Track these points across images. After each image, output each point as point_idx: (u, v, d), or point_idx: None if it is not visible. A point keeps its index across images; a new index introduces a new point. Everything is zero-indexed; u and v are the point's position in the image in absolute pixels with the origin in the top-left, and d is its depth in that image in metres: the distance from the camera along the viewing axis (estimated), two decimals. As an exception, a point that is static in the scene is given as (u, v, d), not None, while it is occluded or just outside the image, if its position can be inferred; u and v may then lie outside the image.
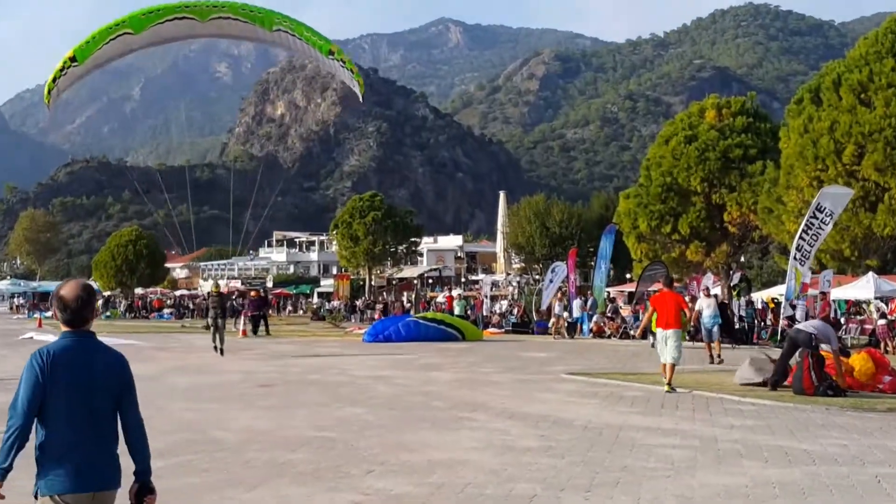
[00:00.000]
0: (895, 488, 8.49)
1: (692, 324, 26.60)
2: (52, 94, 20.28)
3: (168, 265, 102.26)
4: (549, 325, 40.82)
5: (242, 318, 42.46)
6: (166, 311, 69.19)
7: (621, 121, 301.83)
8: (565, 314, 39.81)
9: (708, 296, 23.79)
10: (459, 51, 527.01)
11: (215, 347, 25.62)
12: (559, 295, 41.63)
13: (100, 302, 72.73)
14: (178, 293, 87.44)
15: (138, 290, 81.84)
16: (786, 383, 16.82)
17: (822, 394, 16.01)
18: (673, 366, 16.97)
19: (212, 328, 26.48)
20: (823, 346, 17.35)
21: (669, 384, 16.83)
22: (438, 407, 14.38)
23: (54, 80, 20.00)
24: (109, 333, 38.67)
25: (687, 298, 23.29)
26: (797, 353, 16.88)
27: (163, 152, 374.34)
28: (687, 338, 22.59)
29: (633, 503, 7.79)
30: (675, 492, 8.27)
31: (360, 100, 25.66)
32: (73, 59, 19.84)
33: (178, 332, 44.03)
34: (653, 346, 19.58)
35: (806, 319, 19.32)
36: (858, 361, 17.78)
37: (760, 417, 13.65)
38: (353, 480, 8.56)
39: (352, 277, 77.11)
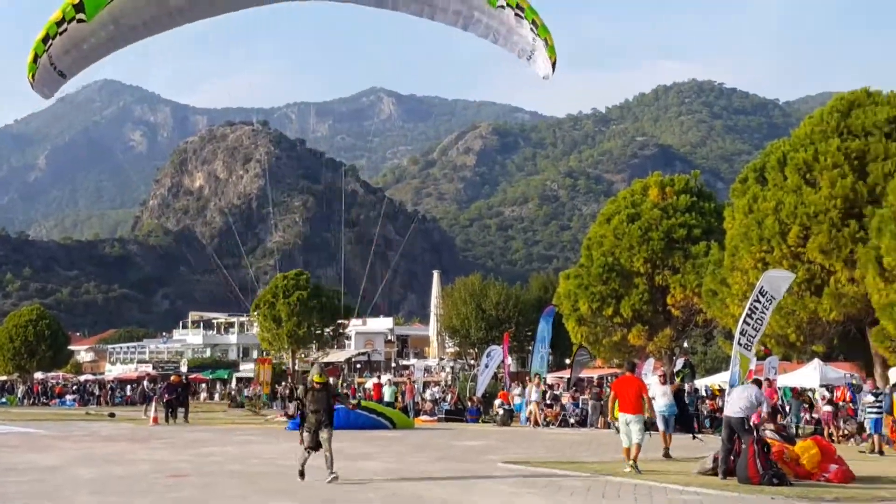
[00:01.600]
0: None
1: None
2: (39, 62, 13.63)
3: (72, 347, 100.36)
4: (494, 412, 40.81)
5: (154, 403, 41.88)
6: (69, 397, 67.54)
7: (561, 198, 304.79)
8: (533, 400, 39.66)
9: (664, 382, 23.91)
10: (392, 122, 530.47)
11: (301, 472, 16.12)
12: (536, 380, 41.51)
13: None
14: (82, 378, 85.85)
15: (38, 375, 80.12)
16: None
17: (768, 482, 16.32)
18: (639, 445, 18.18)
19: (309, 438, 16.46)
20: (767, 433, 17.74)
21: (635, 463, 18.04)
22: (371, 499, 14.31)
23: (45, 39, 13.22)
24: (4, 421, 37.91)
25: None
26: (743, 441, 17.22)
27: (69, 225, 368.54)
28: (662, 425, 22.64)
29: None
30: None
31: (550, 74, 13.78)
32: (78, 6, 12.95)
33: (83, 419, 42.96)
34: (617, 431, 19.81)
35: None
36: (804, 449, 18.15)
37: (707, 497, 13.89)
38: None
39: (273, 362, 76.27)
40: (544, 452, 24.12)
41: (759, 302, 23.47)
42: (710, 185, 52.11)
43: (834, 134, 33.59)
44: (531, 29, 12.07)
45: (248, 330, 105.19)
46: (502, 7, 12.27)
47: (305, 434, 16.25)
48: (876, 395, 26.22)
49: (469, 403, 47.41)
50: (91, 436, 29.55)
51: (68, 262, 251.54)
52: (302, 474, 15.93)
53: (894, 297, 28.76)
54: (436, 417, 44.81)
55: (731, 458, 17.44)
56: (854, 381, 36.17)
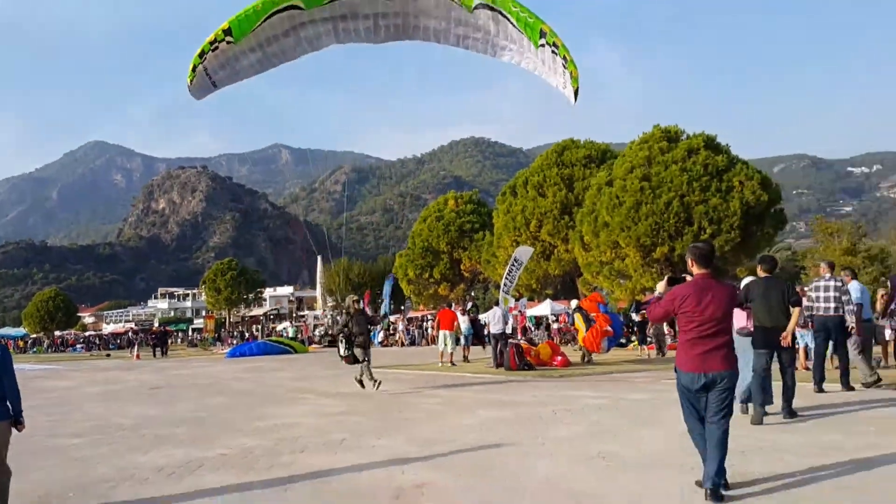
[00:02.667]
0: (565, 417, 9.28)
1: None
2: (196, 71, 11.17)
3: (79, 314, 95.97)
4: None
5: (136, 347, 40.82)
6: (78, 346, 64.21)
7: (395, 210, 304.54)
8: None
9: (464, 314, 24.18)
10: (288, 165, 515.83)
11: (361, 381, 13.31)
12: (385, 321, 41.39)
13: (29, 342, 67.57)
14: (86, 333, 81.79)
15: (56, 333, 76.14)
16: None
17: (521, 369, 17.02)
18: (451, 353, 20.01)
19: (362, 353, 13.39)
20: (522, 340, 18.48)
21: (450, 361, 19.74)
22: (280, 393, 14.24)
23: (201, 54, 11.08)
24: (37, 362, 35.98)
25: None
26: (508, 345, 17.86)
27: (74, 236, 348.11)
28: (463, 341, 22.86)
29: (407, 440, 8.02)
30: (434, 429, 8.66)
31: (573, 101, 10.27)
32: (227, 31, 10.90)
33: (88, 359, 40.89)
34: (445, 344, 20.34)
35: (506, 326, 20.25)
36: (542, 349, 18.99)
37: (485, 384, 14.38)
38: (219, 441, 8.38)
39: (216, 317, 74.80)
40: (389, 360, 24.39)
41: (514, 266, 24.22)
42: (484, 199, 52.92)
43: (554, 165, 34.77)
44: (563, 64, 9.88)
45: (198, 298, 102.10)
46: (543, 46, 9.85)
47: (358, 350, 13.05)
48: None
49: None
50: (94, 368, 28.20)
51: (75, 260, 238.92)
52: (362, 383, 13.18)
53: (591, 260, 30.03)
54: (322, 345, 44.48)
55: (500, 356, 18.09)
56: (569, 311, 37.58)
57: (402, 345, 40.23)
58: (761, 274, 9.08)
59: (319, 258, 75.70)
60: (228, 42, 10.97)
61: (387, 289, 45.58)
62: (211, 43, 11.01)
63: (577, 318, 19.19)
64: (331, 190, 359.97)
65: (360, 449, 7.55)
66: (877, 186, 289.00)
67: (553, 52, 9.80)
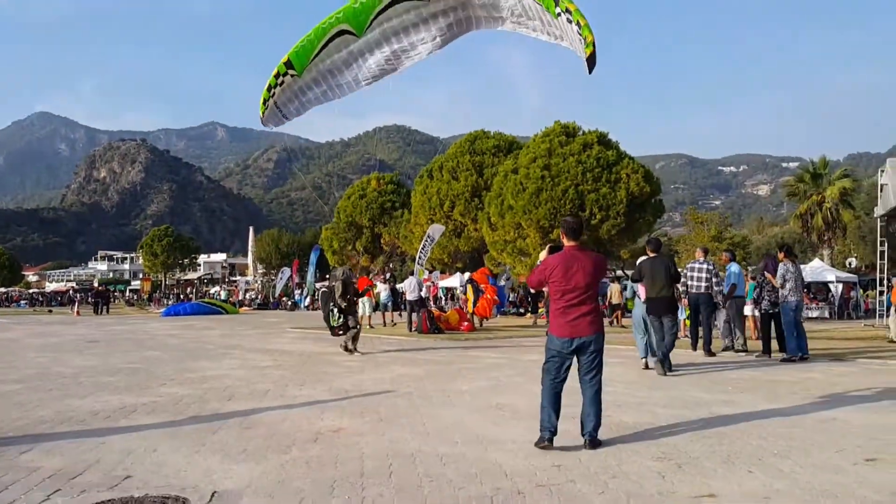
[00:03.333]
0: (470, 373, 9.42)
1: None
2: (267, 105, 10.28)
3: (24, 273, 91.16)
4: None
5: (76, 304, 38.91)
6: (23, 301, 60.84)
7: (324, 188, 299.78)
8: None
9: (384, 283, 24.10)
10: (224, 142, 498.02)
11: (348, 347, 12.37)
12: (306, 289, 41.02)
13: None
14: (30, 291, 77.46)
15: (1, 289, 71.88)
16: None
17: (432, 332, 17.15)
18: (369, 316, 19.88)
19: (345, 322, 12.44)
20: (433, 307, 18.58)
21: (369, 325, 19.60)
22: (210, 348, 13.89)
23: (269, 88, 10.11)
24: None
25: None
26: (420, 310, 17.94)
27: (20, 200, 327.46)
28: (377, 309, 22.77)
29: (327, 390, 7.97)
30: (351, 382, 8.63)
31: (588, 71, 7.95)
32: (288, 64, 9.85)
33: (32, 314, 38.77)
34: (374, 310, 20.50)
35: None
36: (451, 315, 19.17)
37: (401, 345, 14.44)
38: (151, 390, 8.15)
39: (152, 279, 72.12)
40: (314, 322, 24.14)
41: (427, 241, 24.31)
42: (404, 181, 52.69)
43: (467, 153, 34.88)
44: (577, 31, 7.90)
45: (136, 261, 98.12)
46: (559, 14, 8.01)
47: (351, 319, 12.14)
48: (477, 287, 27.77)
49: (272, 300, 46.37)
50: (37, 322, 26.71)
51: (20, 222, 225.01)
52: (348, 349, 12.31)
53: (496, 238, 30.38)
54: (252, 307, 43.58)
55: (414, 320, 18.17)
56: (463, 283, 37.96)
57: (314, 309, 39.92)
58: (649, 254, 9.76)
59: (251, 229, 73.89)
60: (292, 75, 9.97)
61: (313, 258, 45.00)
62: (276, 76, 10.02)
63: (469, 288, 19.68)
64: (263, 167, 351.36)
65: (283, 398, 7.45)
66: (742, 184, 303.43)
67: (568, 19, 8.20)
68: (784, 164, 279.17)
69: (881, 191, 18.43)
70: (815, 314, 25.77)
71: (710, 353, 11.50)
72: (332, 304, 12.31)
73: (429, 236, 24.34)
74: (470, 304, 19.13)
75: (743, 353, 11.83)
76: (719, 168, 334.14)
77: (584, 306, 5.00)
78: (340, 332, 12.43)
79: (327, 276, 57.44)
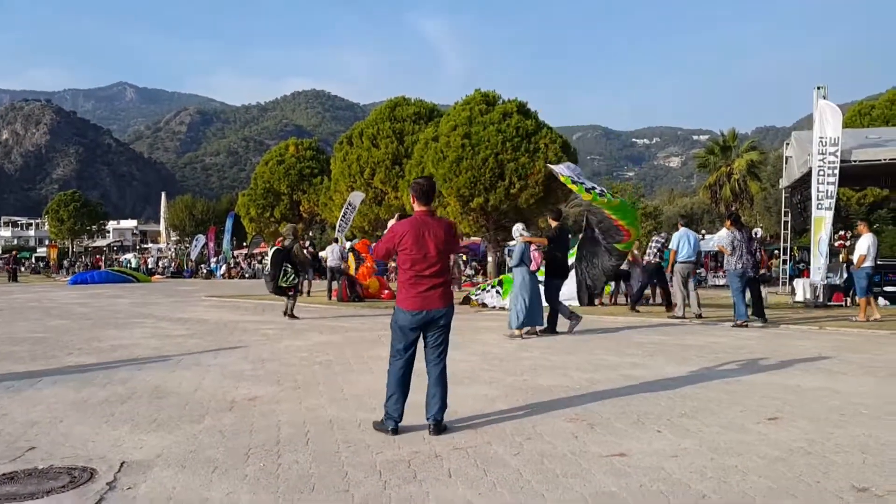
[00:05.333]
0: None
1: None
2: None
3: None
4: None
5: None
6: None
7: (240, 153, 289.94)
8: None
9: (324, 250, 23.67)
10: (133, 103, 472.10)
11: (292, 314, 12.66)
12: (223, 255, 39.65)
13: None
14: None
15: None
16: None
17: (352, 300, 17.03)
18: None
19: (296, 283, 12.94)
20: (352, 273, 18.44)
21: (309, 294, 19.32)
22: (120, 317, 13.30)
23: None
24: None
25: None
26: (340, 279, 17.75)
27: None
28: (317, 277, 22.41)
29: (242, 359, 7.81)
30: (268, 351, 8.47)
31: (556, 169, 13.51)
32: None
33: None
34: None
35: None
36: (373, 283, 19.08)
37: (319, 312, 14.24)
38: (57, 360, 7.77)
39: (58, 246, 68.39)
40: (230, 290, 23.54)
41: (348, 209, 24.03)
42: (323, 147, 51.63)
43: (387, 120, 34.46)
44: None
45: (41, 227, 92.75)
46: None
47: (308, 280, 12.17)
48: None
49: (186, 268, 44.85)
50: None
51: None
52: (292, 314, 12.55)
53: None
54: (165, 276, 42.01)
55: (335, 289, 17.97)
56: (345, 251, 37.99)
57: (242, 277, 38.93)
58: (552, 223, 10.07)
59: (163, 195, 70.98)
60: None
61: (228, 225, 43.76)
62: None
63: (351, 256, 19.97)
64: (176, 130, 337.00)
65: (197, 367, 7.22)
66: (655, 156, 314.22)
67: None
68: (695, 137, 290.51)
69: (786, 163, 19.39)
70: (722, 282, 27.14)
71: (634, 310, 13.61)
72: (285, 263, 12.26)
73: (349, 204, 24.07)
74: (352, 271, 19.38)
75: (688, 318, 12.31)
76: (633, 140, 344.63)
77: (436, 278, 4.59)
78: (290, 294, 12.47)
79: (263, 240, 56.02)
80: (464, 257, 32.15)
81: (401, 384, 4.59)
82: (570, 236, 10.43)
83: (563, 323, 10.18)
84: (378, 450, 4.13)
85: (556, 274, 10.05)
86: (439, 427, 4.54)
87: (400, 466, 3.82)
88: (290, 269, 12.26)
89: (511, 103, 29.07)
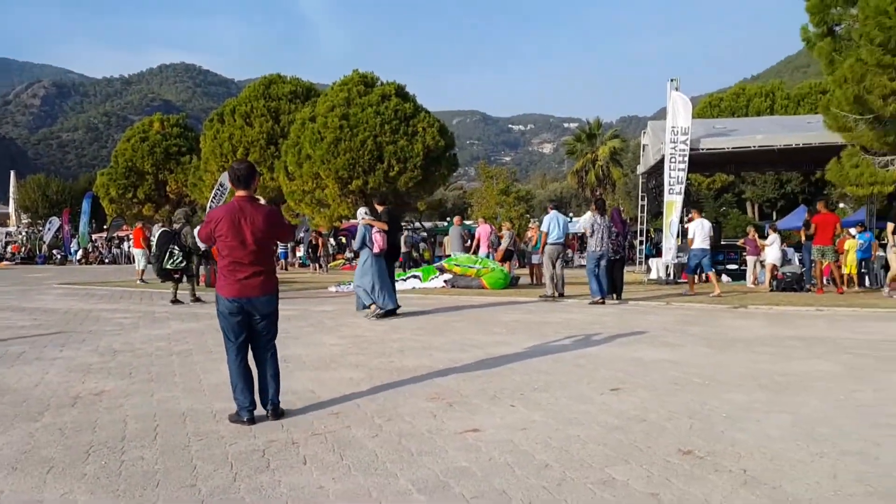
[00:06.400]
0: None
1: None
2: None
3: None
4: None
5: None
6: None
7: (101, 129, 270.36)
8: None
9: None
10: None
11: (195, 298, 12.50)
12: (80, 240, 36.65)
13: None
14: None
15: None
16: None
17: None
18: (143, 270, 18.75)
19: (188, 266, 12.52)
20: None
21: (142, 279, 18.17)
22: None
23: None
24: None
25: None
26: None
27: None
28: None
29: (91, 351, 7.31)
30: (121, 341, 8.03)
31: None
32: None
33: None
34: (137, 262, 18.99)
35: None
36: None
37: (182, 299, 13.57)
38: None
39: None
40: (86, 277, 22.00)
41: (220, 190, 23.08)
42: (194, 124, 49.14)
43: (261, 97, 33.45)
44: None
45: None
46: None
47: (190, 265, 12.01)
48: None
49: (39, 253, 41.48)
50: None
51: None
52: (195, 298, 12.40)
53: (294, 188, 29.63)
54: (14, 262, 38.63)
55: (202, 273, 17.21)
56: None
57: (102, 262, 36.52)
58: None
59: (13, 174, 65.11)
60: None
61: (86, 207, 40.80)
62: None
63: None
64: (28, 103, 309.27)
65: (39, 361, 6.70)
66: (530, 142, 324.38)
67: None
68: (566, 125, 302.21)
69: (643, 150, 20.68)
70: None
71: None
72: (173, 245, 11.95)
73: (221, 184, 23.06)
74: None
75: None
76: (510, 126, 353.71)
77: (255, 266, 4.43)
78: (176, 276, 12.15)
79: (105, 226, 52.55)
80: (343, 240, 31.83)
81: (241, 373, 4.44)
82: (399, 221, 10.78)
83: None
84: (232, 441, 4.03)
85: (390, 253, 10.39)
86: (277, 411, 4.51)
87: (253, 456, 3.74)
88: (176, 252, 11.99)
89: (389, 86, 29.00)
